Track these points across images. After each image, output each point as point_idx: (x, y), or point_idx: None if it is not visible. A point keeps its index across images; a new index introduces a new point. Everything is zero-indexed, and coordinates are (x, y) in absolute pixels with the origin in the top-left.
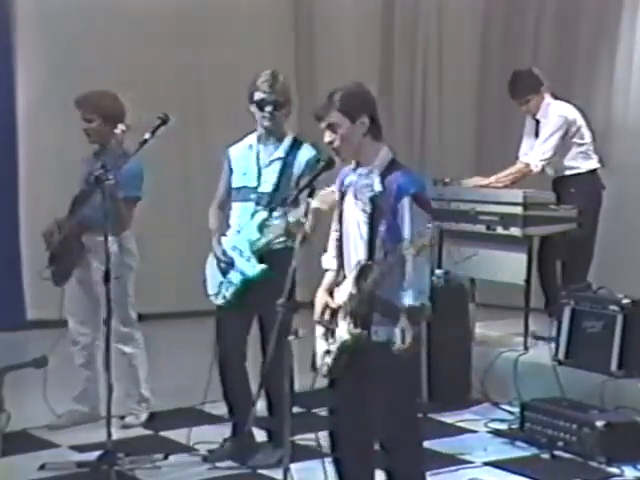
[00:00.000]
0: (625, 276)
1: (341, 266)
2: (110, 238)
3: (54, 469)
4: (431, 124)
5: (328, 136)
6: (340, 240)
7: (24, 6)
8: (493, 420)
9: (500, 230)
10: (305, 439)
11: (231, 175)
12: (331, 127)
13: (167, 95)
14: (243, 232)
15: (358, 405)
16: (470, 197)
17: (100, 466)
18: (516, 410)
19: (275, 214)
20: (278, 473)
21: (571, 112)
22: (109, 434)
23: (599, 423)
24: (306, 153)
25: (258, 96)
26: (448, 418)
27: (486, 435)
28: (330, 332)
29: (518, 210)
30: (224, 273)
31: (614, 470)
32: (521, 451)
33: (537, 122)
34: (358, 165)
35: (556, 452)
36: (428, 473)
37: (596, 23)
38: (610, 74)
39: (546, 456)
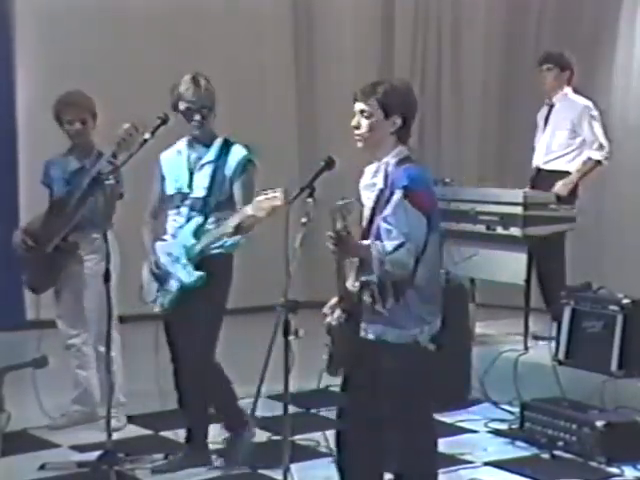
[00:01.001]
0: (625, 276)
1: None
2: (100, 235)
3: (54, 469)
4: (431, 124)
5: (357, 121)
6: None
7: (24, 6)
8: (493, 420)
9: (500, 230)
10: (305, 439)
11: (163, 182)
12: (363, 113)
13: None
14: (178, 238)
15: (364, 407)
16: (470, 197)
17: (100, 466)
18: (516, 410)
19: (210, 219)
20: (278, 473)
21: (593, 106)
22: (109, 434)
23: (599, 423)
24: (236, 154)
25: (183, 105)
26: (448, 418)
27: (486, 435)
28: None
29: (518, 210)
30: (161, 281)
31: (614, 470)
32: (521, 451)
33: (550, 108)
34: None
35: (556, 452)
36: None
37: (595, 23)
38: (609, 73)
39: (546, 456)
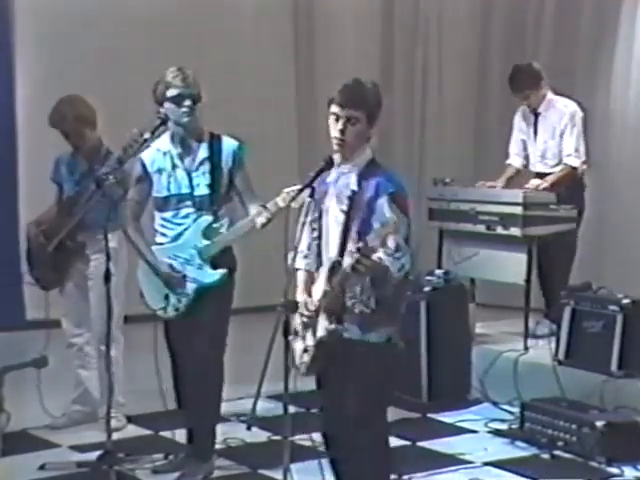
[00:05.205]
0: (625, 276)
1: (320, 265)
2: (109, 235)
3: (54, 469)
4: (431, 124)
5: (342, 125)
6: (318, 239)
7: (23, 6)
8: (493, 420)
9: (500, 230)
10: (305, 439)
11: (150, 184)
12: (350, 119)
13: None
14: (185, 240)
15: (341, 403)
16: (470, 197)
17: (100, 466)
18: (516, 410)
19: (220, 214)
20: (278, 473)
21: (578, 108)
22: (109, 434)
23: (599, 423)
24: (229, 146)
25: (173, 92)
26: (448, 418)
27: (486, 435)
28: (308, 330)
29: (518, 210)
30: (174, 286)
31: (614, 470)
32: (521, 451)
33: (536, 116)
34: (340, 164)
35: (556, 452)
36: (428, 473)
37: (595, 22)
38: (609, 74)
39: (546, 456)
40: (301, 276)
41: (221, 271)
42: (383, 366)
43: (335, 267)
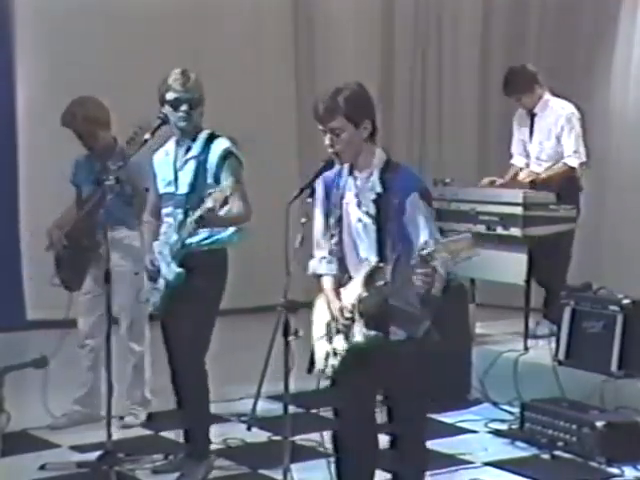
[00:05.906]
0: (625, 276)
1: (343, 269)
2: (132, 232)
3: (54, 469)
4: (431, 124)
5: (329, 139)
6: (339, 244)
7: (24, 6)
8: (493, 420)
9: (500, 230)
10: (305, 439)
11: (156, 182)
12: (334, 131)
13: None
14: (166, 235)
15: (367, 405)
16: (470, 197)
17: (100, 466)
18: (516, 410)
19: (191, 213)
20: (278, 473)
21: (575, 109)
22: (109, 434)
23: (599, 423)
24: (218, 148)
25: (171, 96)
26: (448, 418)
27: (486, 435)
28: (336, 333)
29: (518, 210)
30: (154, 280)
31: (614, 470)
32: (521, 451)
33: (532, 116)
34: (352, 168)
35: (556, 452)
36: (428, 473)
37: (595, 22)
38: (608, 73)
39: (546, 456)
40: (328, 281)
41: (177, 270)
42: (424, 359)
43: (374, 272)
